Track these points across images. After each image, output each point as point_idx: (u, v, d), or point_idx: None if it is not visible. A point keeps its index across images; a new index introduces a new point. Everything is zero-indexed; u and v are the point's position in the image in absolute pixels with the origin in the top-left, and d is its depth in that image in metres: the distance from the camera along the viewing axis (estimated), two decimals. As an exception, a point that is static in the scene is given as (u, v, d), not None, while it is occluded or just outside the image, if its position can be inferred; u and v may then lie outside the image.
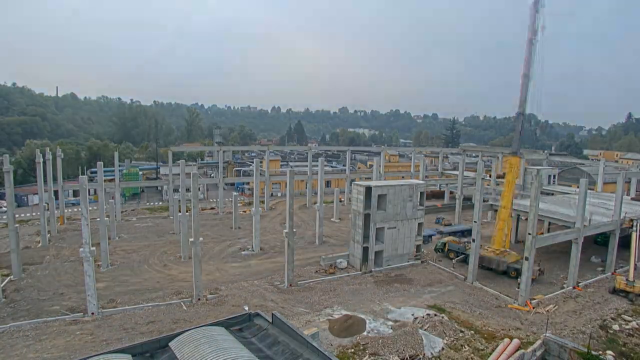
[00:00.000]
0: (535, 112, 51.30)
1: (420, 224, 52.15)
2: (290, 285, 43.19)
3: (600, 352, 30.60)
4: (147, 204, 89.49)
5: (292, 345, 21.01)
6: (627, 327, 35.79)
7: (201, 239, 40.25)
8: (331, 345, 31.34)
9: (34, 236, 60.68)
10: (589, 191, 50.99)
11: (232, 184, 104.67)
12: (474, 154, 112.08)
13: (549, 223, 59.13)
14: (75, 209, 59.22)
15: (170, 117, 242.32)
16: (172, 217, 67.86)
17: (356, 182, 51.73)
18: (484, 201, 51.25)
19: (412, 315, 36.69)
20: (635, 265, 45.76)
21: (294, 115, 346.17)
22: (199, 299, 39.23)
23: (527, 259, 39.78)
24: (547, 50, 45.84)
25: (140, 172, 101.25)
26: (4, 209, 61.52)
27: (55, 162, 66.15)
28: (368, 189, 48.40)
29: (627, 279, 42.13)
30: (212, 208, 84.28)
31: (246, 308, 36.03)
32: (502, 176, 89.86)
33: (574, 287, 43.96)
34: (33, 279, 44.46)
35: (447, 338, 32.67)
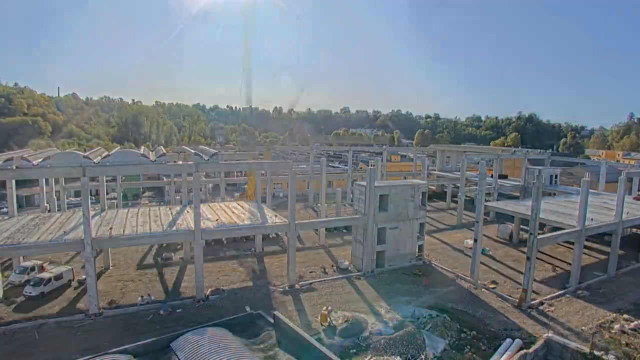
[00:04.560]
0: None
1: (422, 224, 52.09)
2: (292, 286, 43.20)
3: (603, 352, 30.51)
4: (149, 204, 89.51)
5: (293, 345, 21.04)
6: (629, 327, 35.69)
7: (203, 241, 40.25)
8: (332, 345, 31.32)
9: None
10: (590, 191, 50.81)
11: (234, 184, 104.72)
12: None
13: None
14: (77, 209, 59.42)
15: (171, 117, 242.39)
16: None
17: (358, 182, 51.69)
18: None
19: (414, 315, 36.66)
20: None
21: (295, 116, 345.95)
22: (201, 300, 39.31)
23: (529, 258, 39.72)
24: None
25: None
26: (5, 209, 61.56)
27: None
28: (370, 189, 48.31)
29: None
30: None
31: (248, 309, 36.02)
32: (504, 177, 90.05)
33: (577, 289, 43.90)
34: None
35: (449, 338, 32.64)
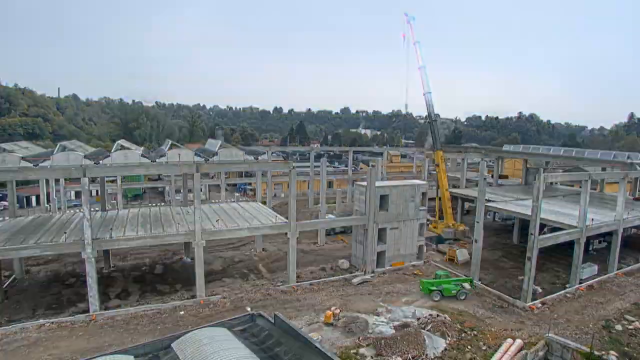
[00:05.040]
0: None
1: (422, 225, 52.08)
2: (293, 286, 43.21)
3: (603, 353, 30.52)
4: (150, 205, 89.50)
5: (294, 346, 21.01)
6: (630, 327, 35.71)
7: (203, 242, 40.24)
8: (333, 345, 31.34)
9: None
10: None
11: (234, 185, 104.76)
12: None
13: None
14: (77, 210, 59.70)
15: (172, 117, 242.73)
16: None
17: (358, 183, 51.70)
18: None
19: (415, 315, 36.69)
20: None
21: (295, 116, 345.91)
22: (201, 300, 39.34)
23: (529, 258, 39.73)
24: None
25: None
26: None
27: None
28: (370, 190, 48.31)
29: None
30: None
31: (249, 309, 36.03)
32: (504, 177, 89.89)
33: (577, 288, 43.90)
34: (35, 280, 44.56)
35: (449, 338, 32.65)
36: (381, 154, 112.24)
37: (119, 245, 42.28)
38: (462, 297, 40.91)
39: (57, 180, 66.24)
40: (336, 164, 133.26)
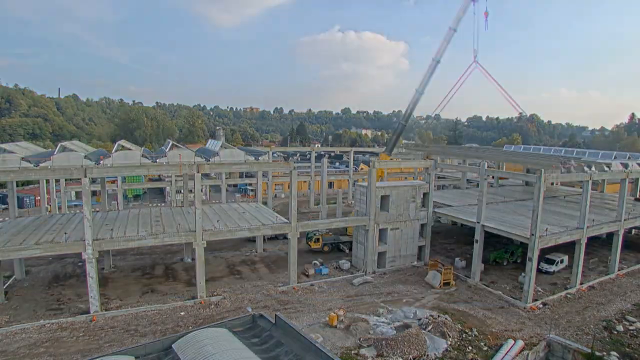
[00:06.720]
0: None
1: (423, 225, 52.02)
2: (294, 287, 43.18)
3: (604, 353, 30.52)
4: (150, 205, 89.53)
5: (295, 346, 21.02)
6: (631, 328, 35.68)
7: (204, 242, 40.22)
8: (334, 346, 31.31)
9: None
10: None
11: (235, 185, 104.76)
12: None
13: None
14: (78, 211, 59.83)
15: (172, 118, 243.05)
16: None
17: (359, 183, 51.65)
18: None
19: (416, 316, 36.64)
20: None
21: (296, 117, 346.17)
22: (202, 301, 39.29)
23: (530, 259, 39.68)
24: None
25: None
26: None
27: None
28: (370, 190, 48.27)
29: None
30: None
31: (250, 309, 36.03)
32: (505, 177, 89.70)
33: (578, 289, 43.84)
34: (36, 280, 44.53)
35: (450, 339, 32.62)
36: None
37: (120, 246, 42.25)
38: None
39: (57, 181, 66.35)
40: (337, 164, 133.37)
